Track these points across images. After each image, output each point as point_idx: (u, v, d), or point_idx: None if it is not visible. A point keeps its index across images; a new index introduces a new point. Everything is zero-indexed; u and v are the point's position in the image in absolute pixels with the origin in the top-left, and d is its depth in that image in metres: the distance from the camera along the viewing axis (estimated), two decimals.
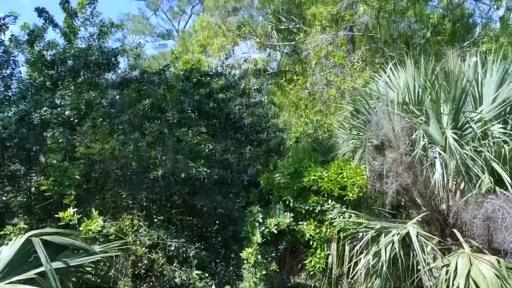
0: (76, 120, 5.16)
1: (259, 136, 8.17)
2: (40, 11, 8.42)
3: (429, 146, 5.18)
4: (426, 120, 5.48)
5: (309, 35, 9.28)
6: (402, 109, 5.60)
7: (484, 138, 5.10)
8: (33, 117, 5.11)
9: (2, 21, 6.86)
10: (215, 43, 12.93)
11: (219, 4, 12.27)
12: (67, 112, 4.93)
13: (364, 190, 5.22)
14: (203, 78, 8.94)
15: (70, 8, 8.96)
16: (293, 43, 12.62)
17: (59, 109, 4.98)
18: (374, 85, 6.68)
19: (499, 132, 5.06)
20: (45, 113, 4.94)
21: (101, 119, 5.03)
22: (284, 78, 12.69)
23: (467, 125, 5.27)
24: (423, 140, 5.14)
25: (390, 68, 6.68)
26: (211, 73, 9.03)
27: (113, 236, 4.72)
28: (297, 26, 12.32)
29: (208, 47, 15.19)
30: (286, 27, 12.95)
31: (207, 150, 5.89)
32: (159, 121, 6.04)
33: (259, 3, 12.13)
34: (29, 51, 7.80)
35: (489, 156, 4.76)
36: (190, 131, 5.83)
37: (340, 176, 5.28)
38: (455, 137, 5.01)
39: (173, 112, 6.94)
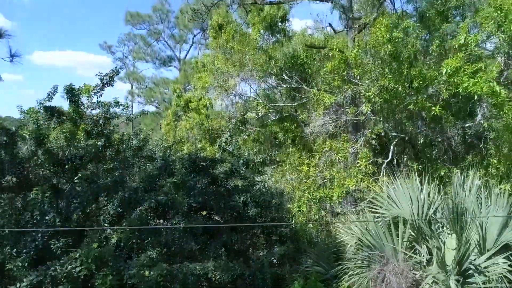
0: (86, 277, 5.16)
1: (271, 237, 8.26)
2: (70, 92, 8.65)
3: None
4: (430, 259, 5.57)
5: (311, 116, 9.39)
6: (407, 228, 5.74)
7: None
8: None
9: None
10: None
11: (220, 72, 12.34)
12: (77, 269, 4.96)
13: None
14: (207, 163, 8.98)
15: (74, 95, 9.04)
16: (295, 103, 12.69)
17: (69, 266, 5.00)
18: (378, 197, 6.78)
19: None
20: (55, 272, 4.97)
21: (111, 276, 5.06)
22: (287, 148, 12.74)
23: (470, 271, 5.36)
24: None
25: (393, 182, 6.80)
26: (216, 159, 9.08)
27: None
28: (300, 85, 12.41)
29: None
30: (289, 86, 13.03)
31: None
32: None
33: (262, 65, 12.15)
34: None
35: None
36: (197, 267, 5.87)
37: None
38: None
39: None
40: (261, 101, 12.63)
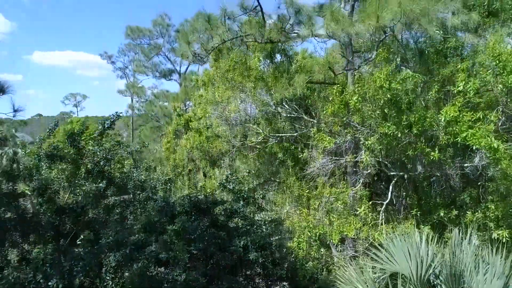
0: None
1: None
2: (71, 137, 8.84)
3: None
4: None
5: (312, 155, 9.46)
6: None
7: None
8: None
9: None
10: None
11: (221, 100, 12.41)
12: None
13: None
14: (208, 206, 9.06)
15: (75, 140, 9.14)
16: (295, 134, 12.74)
17: None
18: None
19: None
20: None
21: None
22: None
23: None
24: None
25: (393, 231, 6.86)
26: (216, 201, 9.16)
27: None
28: (300, 115, 12.47)
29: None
30: (289, 115, 13.09)
31: None
32: None
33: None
34: None
35: None
36: None
37: None
38: None
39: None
40: (261, 130, 12.68)
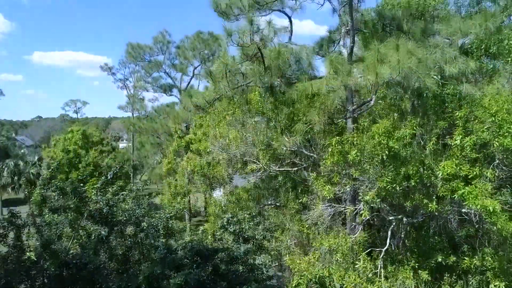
0: None
1: None
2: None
3: None
4: None
5: (312, 203, 9.62)
6: None
7: None
8: None
9: None
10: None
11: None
12: None
13: None
14: (209, 252, 9.19)
15: (80, 192, 9.28)
16: (295, 168, 12.85)
17: None
18: None
19: None
20: None
21: None
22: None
23: None
24: None
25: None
26: (217, 248, 9.29)
27: None
28: (301, 149, 12.61)
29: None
30: (290, 149, 13.19)
31: None
32: None
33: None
34: None
35: None
36: None
37: None
38: None
39: None
40: (260, 164, 12.82)
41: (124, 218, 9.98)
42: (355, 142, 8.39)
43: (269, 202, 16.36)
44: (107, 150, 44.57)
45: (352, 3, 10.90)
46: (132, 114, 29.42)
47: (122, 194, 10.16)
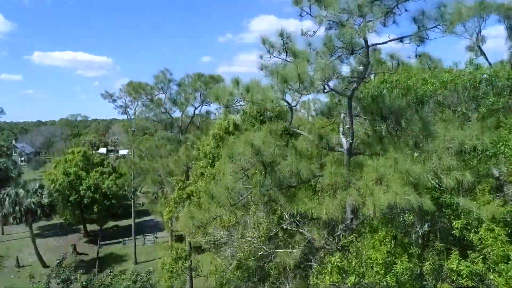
0: None
1: None
2: None
3: None
4: None
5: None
6: None
7: None
8: None
9: None
10: None
11: None
12: None
13: None
14: None
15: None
16: (294, 251, 13.00)
17: None
18: None
19: None
20: None
21: None
22: None
23: None
24: None
25: None
26: None
27: None
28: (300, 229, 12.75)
29: None
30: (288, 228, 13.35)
31: None
32: None
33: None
34: None
35: None
36: None
37: None
38: None
39: None
40: (263, 246, 12.99)
41: None
42: (354, 264, 8.55)
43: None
44: (107, 171, 44.78)
45: (352, 98, 11.03)
46: (133, 155, 29.55)
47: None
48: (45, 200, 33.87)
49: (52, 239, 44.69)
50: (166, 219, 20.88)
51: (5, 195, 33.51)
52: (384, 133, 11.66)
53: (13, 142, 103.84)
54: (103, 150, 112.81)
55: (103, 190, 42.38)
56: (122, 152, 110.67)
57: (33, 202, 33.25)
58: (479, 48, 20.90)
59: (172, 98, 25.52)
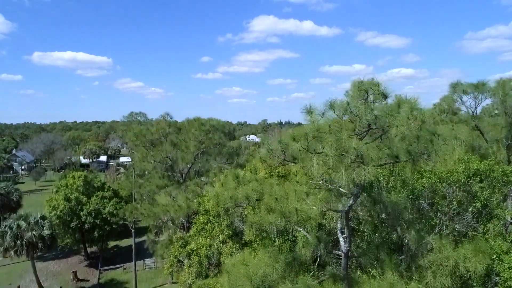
0: None
1: None
2: None
3: None
4: None
5: None
6: None
7: None
8: None
9: None
10: None
11: None
12: None
13: None
14: None
15: None
16: None
17: None
18: None
19: None
20: None
21: None
22: None
23: None
24: None
25: None
26: None
27: None
28: None
29: None
30: None
31: None
32: None
33: None
34: None
35: None
36: None
37: None
38: None
39: None
40: None
41: None
42: None
43: None
44: (108, 195, 45.08)
45: (349, 212, 11.33)
46: (134, 197, 29.84)
47: None
48: (46, 232, 34.18)
49: (53, 262, 45.07)
50: (166, 274, 21.24)
51: (7, 227, 33.83)
52: (379, 241, 11.96)
53: (13, 150, 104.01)
54: (103, 158, 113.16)
55: (104, 216, 42.72)
56: (123, 159, 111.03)
57: (34, 235, 33.55)
58: (477, 127, 21.09)
59: (174, 145, 25.82)
